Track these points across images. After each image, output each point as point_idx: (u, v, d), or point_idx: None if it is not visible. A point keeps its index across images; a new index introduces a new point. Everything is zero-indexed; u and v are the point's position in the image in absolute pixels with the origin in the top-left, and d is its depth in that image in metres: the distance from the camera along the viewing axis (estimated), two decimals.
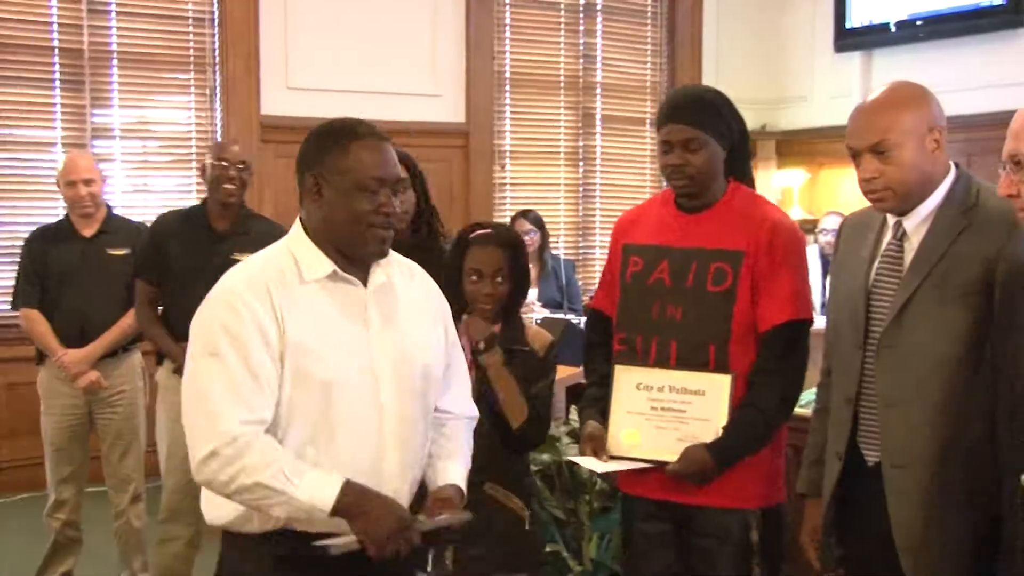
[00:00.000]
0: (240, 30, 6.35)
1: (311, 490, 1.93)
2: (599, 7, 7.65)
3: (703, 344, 2.56)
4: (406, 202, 3.17)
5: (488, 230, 2.90)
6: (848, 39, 7.54)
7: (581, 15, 7.60)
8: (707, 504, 2.57)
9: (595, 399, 2.73)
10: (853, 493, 2.33)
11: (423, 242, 3.25)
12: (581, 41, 7.61)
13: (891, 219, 2.32)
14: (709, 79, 7.57)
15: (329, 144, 2.07)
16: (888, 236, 2.33)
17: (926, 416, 2.22)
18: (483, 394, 2.66)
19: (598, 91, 7.68)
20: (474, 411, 2.36)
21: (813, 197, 7.66)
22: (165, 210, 4.46)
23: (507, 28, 7.31)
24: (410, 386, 2.11)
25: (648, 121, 7.81)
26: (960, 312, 2.19)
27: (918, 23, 7.17)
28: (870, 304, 2.32)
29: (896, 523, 2.23)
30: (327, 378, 1.99)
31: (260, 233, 3.81)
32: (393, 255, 2.15)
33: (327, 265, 2.06)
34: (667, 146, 2.62)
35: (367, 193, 2.04)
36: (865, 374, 2.31)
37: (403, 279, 2.18)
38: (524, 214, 6.41)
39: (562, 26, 7.55)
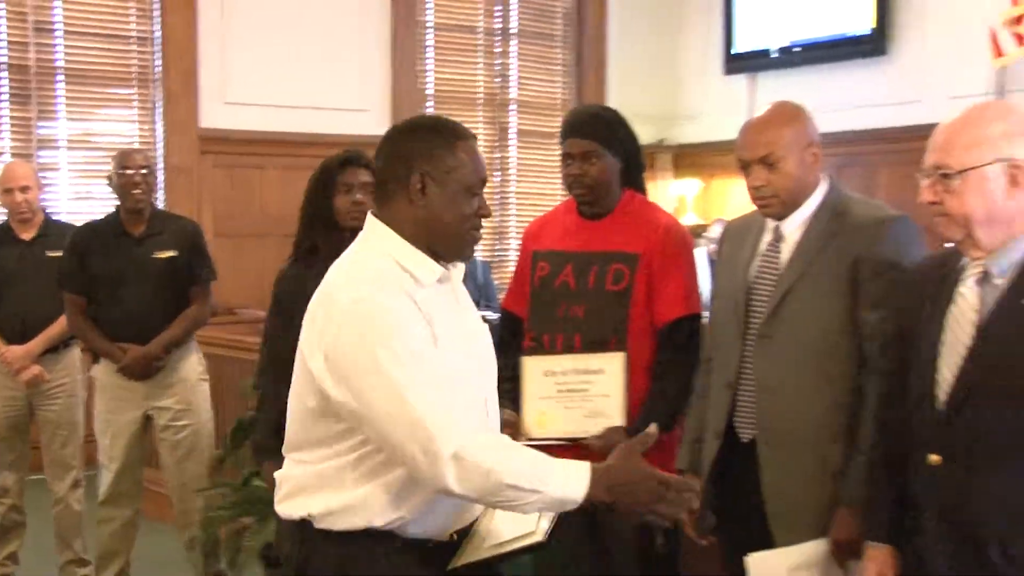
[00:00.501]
0: (180, 49, 6.23)
1: (563, 485, 1.71)
2: (514, 32, 7.67)
3: (603, 339, 2.60)
4: (369, 204, 3.13)
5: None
6: (735, 63, 7.67)
7: (498, 39, 7.62)
8: None
9: (507, 391, 2.74)
10: (729, 468, 2.37)
11: None
12: (498, 62, 7.64)
13: (770, 223, 2.36)
14: (612, 97, 7.65)
15: (438, 142, 1.83)
16: (767, 238, 2.37)
17: (798, 399, 2.26)
18: None
19: (513, 108, 7.71)
20: None
21: (706, 205, 7.78)
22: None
23: (431, 49, 7.29)
24: (495, 380, 1.97)
25: (558, 135, 7.83)
26: (829, 306, 2.24)
27: (796, 49, 7.31)
28: (750, 299, 2.35)
29: (769, 495, 2.27)
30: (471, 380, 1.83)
31: (175, 231, 3.79)
32: None
33: (437, 268, 1.83)
34: (568, 158, 2.68)
35: (471, 195, 1.84)
36: (744, 362, 2.34)
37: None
38: None
39: (481, 48, 7.56)
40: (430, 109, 7.29)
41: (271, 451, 3.06)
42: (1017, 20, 5.80)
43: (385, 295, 1.74)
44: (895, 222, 2.24)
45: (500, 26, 7.62)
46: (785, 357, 2.27)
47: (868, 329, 2.20)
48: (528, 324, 2.75)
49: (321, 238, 3.02)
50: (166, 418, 3.78)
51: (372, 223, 1.86)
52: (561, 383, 2.59)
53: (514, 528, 1.83)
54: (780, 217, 2.32)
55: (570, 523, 2.60)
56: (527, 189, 7.82)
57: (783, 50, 7.37)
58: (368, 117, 6.84)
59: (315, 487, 1.82)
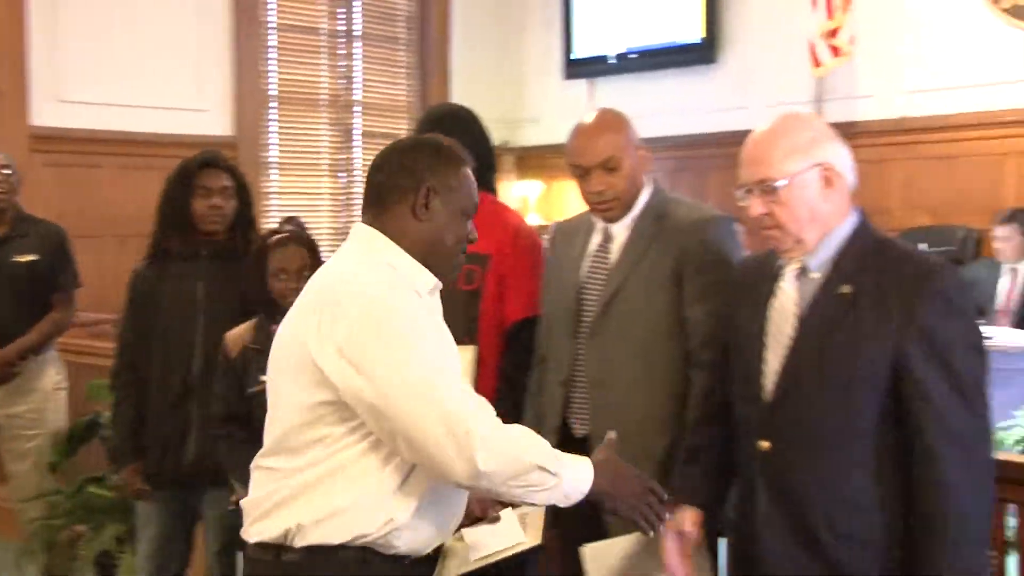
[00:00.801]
0: (7, 46, 5.92)
1: (574, 474, 1.76)
2: (358, 34, 7.64)
3: (456, 339, 2.60)
4: (228, 208, 3.07)
5: (285, 233, 2.90)
6: (574, 68, 7.86)
7: (341, 40, 7.57)
8: None
9: None
10: None
11: (234, 248, 3.08)
12: (342, 64, 7.58)
13: (599, 224, 2.42)
14: (456, 100, 7.68)
15: (444, 161, 1.86)
16: (596, 239, 2.43)
17: (628, 392, 2.32)
18: None
19: (358, 109, 7.67)
20: None
21: (548, 206, 7.95)
22: None
23: (272, 50, 7.17)
24: None
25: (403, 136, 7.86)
26: (656, 304, 2.31)
27: (632, 56, 7.55)
28: (581, 298, 2.40)
29: None
30: None
31: (39, 234, 3.65)
32: None
33: (431, 278, 1.87)
34: None
35: (466, 219, 1.89)
36: (576, 359, 2.39)
37: None
38: (289, 220, 6.32)
39: (324, 50, 7.49)
40: (273, 110, 7.18)
41: (129, 454, 3.00)
42: (833, 33, 6.20)
43: (401, 294, 1.77)
44: (716, 222, 2.34)
45: (344, 28, 7.58)
46: (615, 353, 2.33)
47: (692, 325, 2.28)
48: None
49: (177, 240, 2.97)
50: (16, 426, 3.63)
51: (367, 231, 1.86)
52: None
53: (498, 541, 1.85)
54: (617, 220, 2.39)
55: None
56: None
57: (619, 56, 7.61)
58: (208, 117, 6.68)
59: (298, 495, 1.75)
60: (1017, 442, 3.24)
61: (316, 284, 1.85)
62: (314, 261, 2.86)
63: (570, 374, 2.40)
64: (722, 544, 2.19)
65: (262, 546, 1.78)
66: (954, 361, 1.83)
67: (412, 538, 1.79)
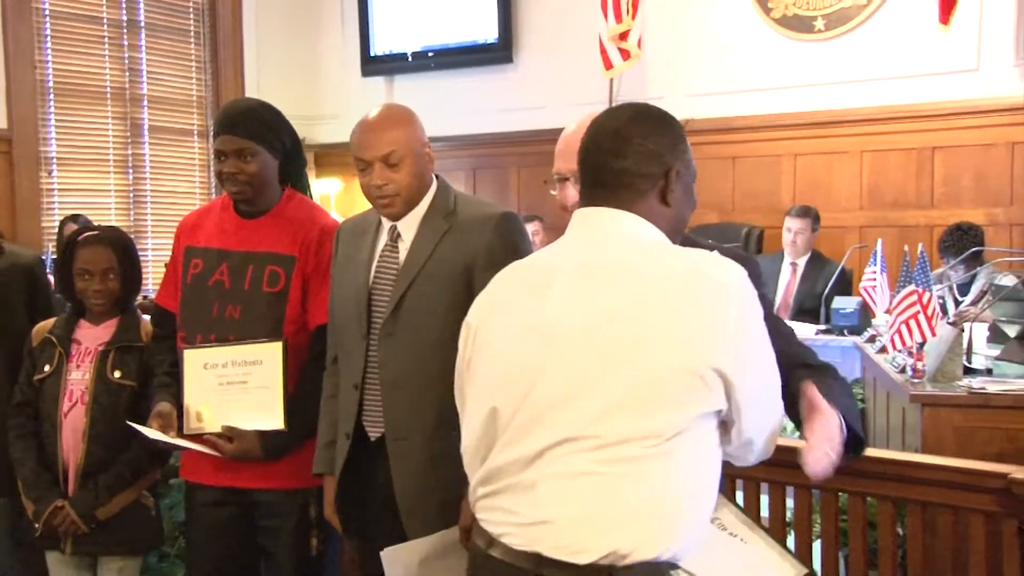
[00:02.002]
0: None
1: None
2: (142, 24, 7.29)
3: (261, 340, 2.53)
4: None
5: (95, 231, 2.82)
6: (372, 65, 7.81)
7: (124, 30, 7.20)
8: (271, 487, 2.55)
9: (164, 385, 2.64)
10: (360, 467, 2.37)
11: None
12: (126, 55, 7.22)
13: (386, 223, 2.39)
14: (252, 95, 7.48)
15: (681, 139, 1.74)
16: (384, 238, 2.39)
17: (422, 393, 2.27)
18: None
19: (145, 103, 7.33)
20: None
21: (348, 204, 7.86)
22: None
23: (47, 39, 6.75)
24: None
25: (195, 132, 7.59)
26: (448, 301, 2.28)
27: (430, 54, 7.57)
28: (372, 299, 2.36)
29: (398, 489, 2.28)
30: None
31: None
32: None
33: None
34: (221, 155, 2.57)
35: (692, 190, 1.78)
36: (369, 361, 2.35)
37: None
38: (73, 218, 5.97)
39: (106, 40, 7.11)
40: (51, 102, 6.76)
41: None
42: (622, 36, 6.41)
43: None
44: (504, 218, 2.34)
45: (127, 18, 7.21)
46: (408, 354, 2.30)
47: None
48: (180, 322, 2.64)
49: None
50: None
51: (630, 217, 1.68)
52: (221, 376, 2.52)
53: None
54: (399, 217, 2.36)
55: (218, 520, 2.60)
56: (163, 187, 7.47)
57: (417, 54, 7.61)
58: None
59: (633, 515, 1.53)
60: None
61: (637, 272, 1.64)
62: (124, 261, 2.79)
63: (363, 377, 2.35)
64: None
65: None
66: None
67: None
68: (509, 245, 2.30)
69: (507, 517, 1.61)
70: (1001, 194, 5.82)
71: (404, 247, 2.36)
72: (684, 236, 2.04)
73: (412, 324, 2.30)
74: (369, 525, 2.39)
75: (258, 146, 2.57)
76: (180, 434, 2.55)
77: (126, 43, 7.22)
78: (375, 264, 2.38)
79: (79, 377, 2.79)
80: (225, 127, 2.58)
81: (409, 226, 2.36)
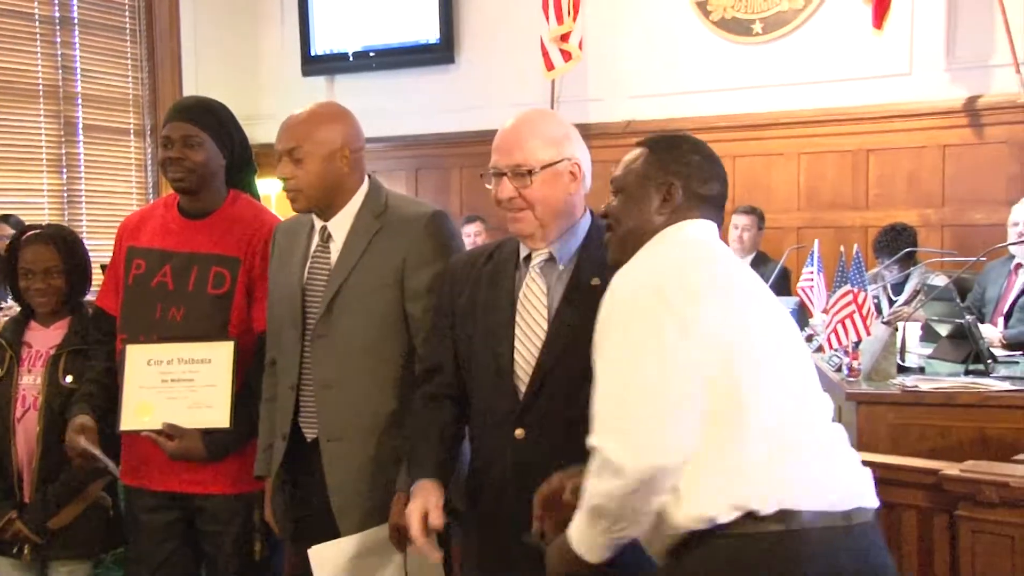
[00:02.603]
0: None
1: None
2: (75, 21, 7.14)
3: (212, 338, 2.50)
4: None
5: (38, 230, 2.77)
6: (313, 64, 7.74)
7: (57, 27, 7.05)
8: (214, 492, 2.52)
9: (86, 396, 2.59)
10: (296, 469, 2.37)
11: None
12: (59, 52, 7.07)
13: (318, 223, 2.38)
14: (190, 94, 7.36)
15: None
16: (316, 239, 2.38)
17: (357, 393, 2.27)
18: None
19: (79, 101, 7.18)
20: None
21: (288, 205, 7.75)
22: None
23: None
24: None
25: (132, 131, 7.46)
26: (380, 301, 2.27)
27: (371, 54, 7.53)
28: (305, 300, 2.35)
29: (332, 489, 2.27)
30: None
31: None
32: None
33: None
34: (167, 141, 2.54)
35: None
36: (304, 362, 2.34)
37: None
38: (5, 219, 5.83)
39: (38, 37, 6.96)
40: None
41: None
42: (563, 38, 6.44)
43: None
44: (435, 217, 2.32)
45: (60, 15, 7.06)
46: (341, 354, 2.29)
47: (414, 321, 2.28)
48: (121, 324, 2.60)
49: None
50: None
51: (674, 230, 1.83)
52: (166, 372, 2.47)
53: None
54: (318, 214, 2.34)
55: (159, 525, 2.56)
56: (98, 187, 7.32)
57: (359, 54, 7.56)
58: None
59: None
60: None
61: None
62: (69, 260, 2.75)
63: (299, 378, 2.33)
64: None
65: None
66: None
67: None
68: (439, 244, 2.30)
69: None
70: (933, 195, 5.96)
71: (336, 247, 2.34)
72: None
73: (345, 325, 2.29)
74: (307, 528, 2.37)
75: (205, 135, 2.54)
76: (115, 431, 2.50)
77: (59, 40, 7.07)
78: (308, 265, 2.37)
79: (31, 382, 2.75)
80: (175, 115, 2.56)
81: (340, 226, 2.35)
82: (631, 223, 1.85)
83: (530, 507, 1.89)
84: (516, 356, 2.03)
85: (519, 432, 2.00)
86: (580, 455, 1.94)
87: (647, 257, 1.78)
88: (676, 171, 1.85)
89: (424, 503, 2.02)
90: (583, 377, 1.91)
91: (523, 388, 2.01)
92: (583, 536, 1.67)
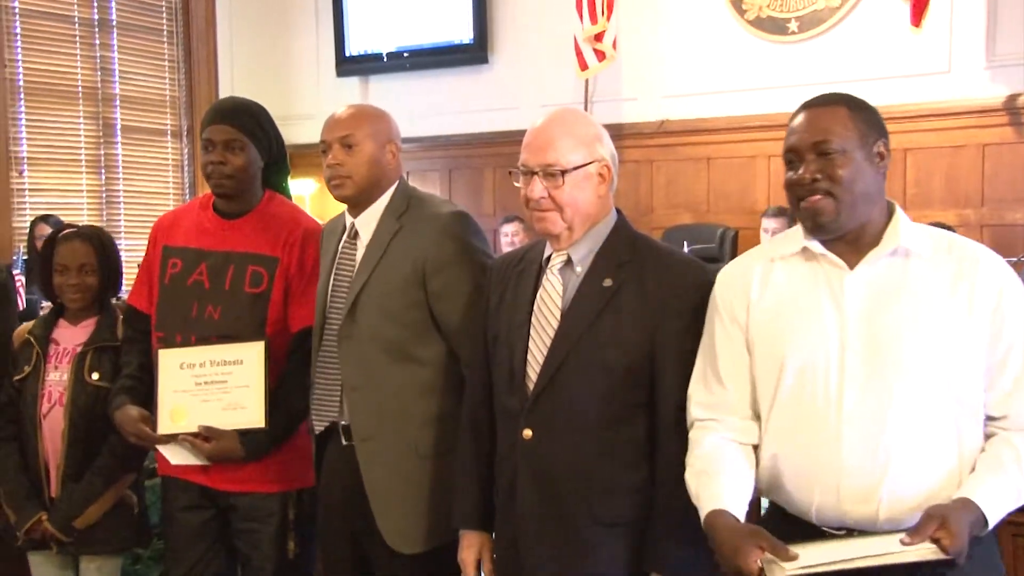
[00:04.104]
0: None
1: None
2: (114, 23, 7.23)
3: (242, 340, 2.51)
4: None
5: (75, 228, 2.84)
6: (347, 65, 7.77)
7: (96, 30, 7.15)
8: (251, 490, 2.54)
9: (127, 388, 2.61)
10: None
11: None
12: (98, 54, 7.16)
13: (348, 221, 2.40)
14: (226, 95, 7.42)
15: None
16: (344, 237, 2.41)
17: (386, 394, 2.29)
18: None
19: (117, 102, 7.27)
20: None
21: (323, 205, 7.82)
22: None
23: (18, 38, 6.68)
24: None
25: (169, 132, 7.55)
26: (402, 302, 2.29)
27: (405, 55, 7.55)
28: (331, 299, 2.37)
29: (370, 489, 2.31)
30: None
31: None
32: None
33: None
34: (209, 144, 2.55)
35: None
36: (318, 360, 2.38)
37: None
38: (45, 219, 5.92)
39: (77, 39, 7.06)
40: (21, 101, 6.69)
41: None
42: (597, 37, 6.43)
43: None
44: (452, 217, 2.33)
45: (98, 17, 7.15)
46: (365, 355, 2.30)
47: (443, 322, 2.28)
48: (157, 322, 2.61)
49: None
50: None
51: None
52: (199, 375, 2.49)
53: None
54: (352, 204, 2.37)
55: (194, 524, 2.58)
56: (136, 188, 7.41)
57: (392, 55, 7.58)
58: None
59: None
60: None
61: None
62: (102, 258, 2.80)
63: (314, 376, 2.39)
64: None
65: None
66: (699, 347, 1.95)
67: None
68: (459, 244, 2.30)
69: None
70: (971, 195, 5.88)
71: (362, 245, 2.37)
72: (639, 235, 2.08)
73: (368, 326, 2.30)
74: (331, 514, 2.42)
75: (247, 140, 2.56)
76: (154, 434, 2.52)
77: (98, 42, 7.17)
78: (335, 265, 2.40)
79: (57, 378, 2.78)
80: (217, 118, 2.57)
81: (366, 224, 2.37)
82: (860, 190, 1.78)
83: (538, 507, 1.97)
84: (529, 357, 2.03)
85: (527, 432, 2.00)
86: (587, 457, 1.96)
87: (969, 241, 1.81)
88: (880, 129, 1.85)
89: (475, 555, 2.14)
90: (591, 378, 1.96)
91: (531, 388, 2.02)
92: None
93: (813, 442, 1.76)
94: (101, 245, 2.81)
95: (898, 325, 1.73)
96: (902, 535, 1.62)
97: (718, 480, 1.80)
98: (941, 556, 1.59)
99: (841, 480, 1.73)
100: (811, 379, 1.77)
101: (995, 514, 1.66)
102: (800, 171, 1.79)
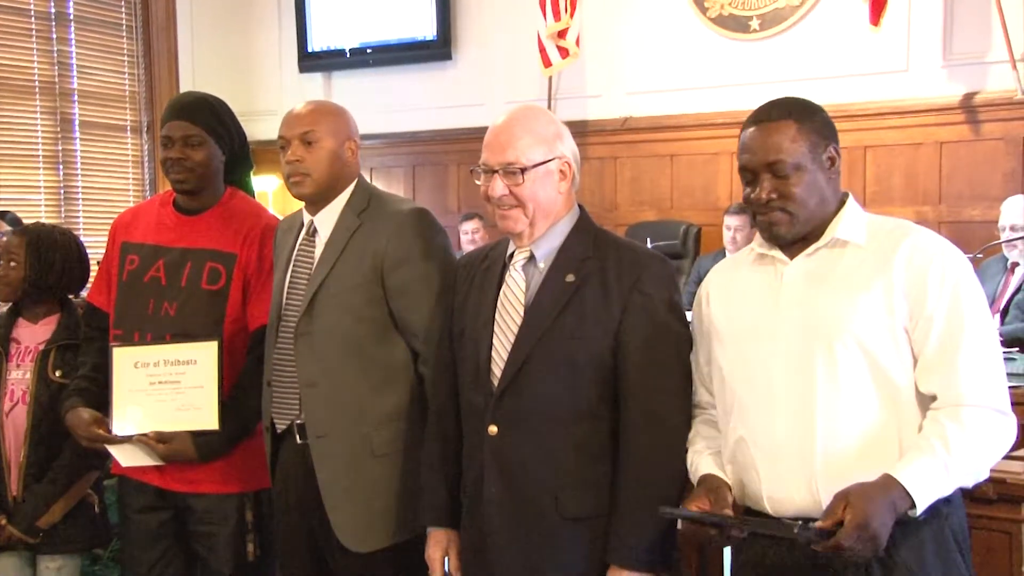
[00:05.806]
0: None
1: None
2: (71, 17, 7.12)
3: (196, 339, 2.49)
4: None
5: (27, 225, 2.80)
6: (310, 61, 7.73)
7: (53, 23, 7.03)
8: (207, 491, 2.52)
9: (80, 390, 2.58)
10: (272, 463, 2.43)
11: None
12: (55, 48, 7.04)
13: (306, 219, 2.39)
14: (187, 90, 7.35)
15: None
16: (303, 234, 2.39)
17: (341, 391, 2.29)
18: None
19: (75, 98, 7.16)
20: None
21: (286, 202, 7.76)
22: None
23: None
24: None
25: (128, 128, 7.46)
26: (360, 299, 2.28)
27: (368, 51, 7.52)
28: (288, 296, 2.36)
29: (323, 486, 2.29)
30: None
31: None
32: None
33: None
34: (168, 140, 2.53)
35: None
36: (275, 357, 2.36)
37: None
38: (2, 215, 5.82)
39: (34, 33, 6.94)
40: None
41: None
42: (561, 34, 6.44)
43: None
44: (412, 214, 2.33)
45: (55, 10, 7.04)
46: (323, 352, 2.29)
47: (402, 319, 2.28)
48: (115, 320, 2.59)
49: None
50: None
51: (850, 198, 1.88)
52: (153, 375, 2.46)
53: None
54: (308, 199, 2.35)
55: (151, 525, 2.56)
56: (95, 184, 7.31)
57: (355, 51, 7.55)
58: None
59: None
60: None
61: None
62: (33, 250, 2.75)
63: (271, 373, 2.37)
64: None
65: None
66: (663, 341, 1.99)
67: None
68: (419, 241, 2.30)
69: None
70: (930, 192, 5.96)
71: (320, 243, 2.35)
72: (601, 230, 2.10)
73: (325, 322, 2.29)
74: (289, 511, 2.40)
75: (207, 135, 2.54)
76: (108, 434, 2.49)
77: (55, 36, 7.05)
78: (293, 261, 2.38)
79: (19, 376, 2.76)
80: (175, 113, 2.55)
81: (325, 222, 2.36)
82: (814, 200, 1.82)
83: (505, 503, 1.99)
84: (493, 353, 2.04)
85: (492, 429, 2.01)
86: (553, 452, 1.98)
87: (920, 229, 1.84)
88: (830, 133, 1.87)
89: (442, 552, 2.14)
90: (556, 373, 1.97)
91: (497, 384, 2.02)
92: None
93: (755, 431, 1.82)
94: (36, 239, 2.76)
95: (825, 311, 1.76)
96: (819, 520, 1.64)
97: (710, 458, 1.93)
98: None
99: (778, 466, 1.78)
100: (752, 373, 1.83)
101: (922, 493, 1.64)
102: (756, 191, 1.83)
